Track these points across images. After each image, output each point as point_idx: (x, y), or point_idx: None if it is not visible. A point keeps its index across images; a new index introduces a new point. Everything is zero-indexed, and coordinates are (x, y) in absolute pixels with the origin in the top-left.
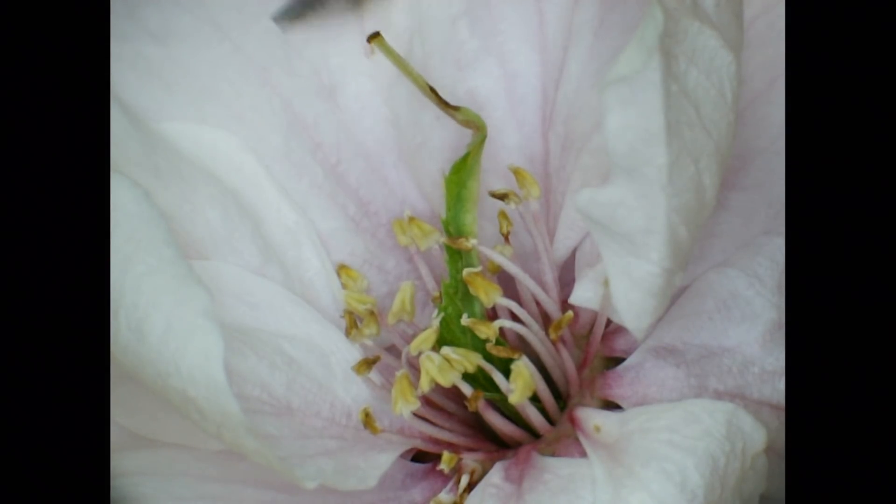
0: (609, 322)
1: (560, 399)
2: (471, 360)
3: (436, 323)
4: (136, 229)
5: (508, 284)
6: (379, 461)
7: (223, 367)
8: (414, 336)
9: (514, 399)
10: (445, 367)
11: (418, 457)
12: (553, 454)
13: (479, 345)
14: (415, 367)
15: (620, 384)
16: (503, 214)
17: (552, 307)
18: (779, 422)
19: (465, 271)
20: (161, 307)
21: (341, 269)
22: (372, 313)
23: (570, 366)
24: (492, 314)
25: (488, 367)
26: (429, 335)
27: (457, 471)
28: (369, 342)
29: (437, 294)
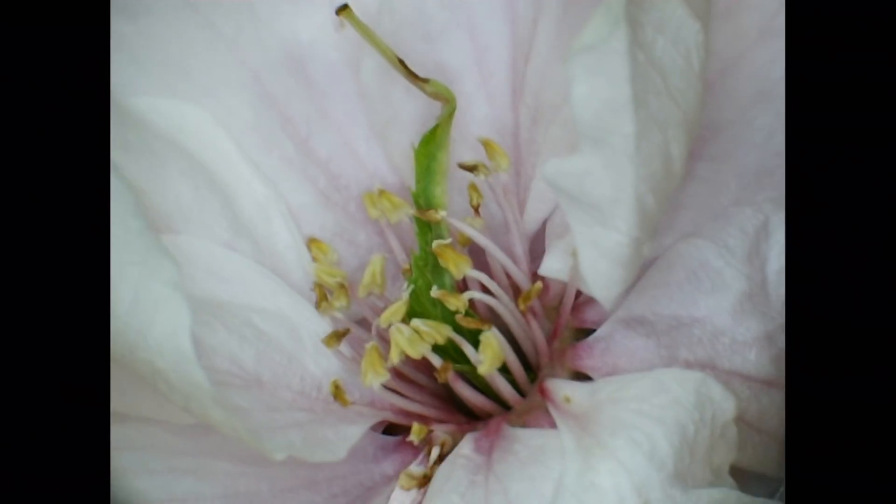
0: (579, 294)
1: (530, 371)
2: (441, 332)
3: (406, 295)
4: None
5: (479, 256)
6: (349, 433)
7: (191, 337)
8: (384, 309)
9: (483, 370)
10: (415, 339)
11: (390, 430)
12: (523, 425)
13: (448, 317)
14: (385, 340)
15: (591, 355)
16: (473, 187)
17: (522, 279)
18: (749, 392)
19: (435, 243)
20: (128, 279)
21: (312, 242)
22: (342, 286)
23: (540, 337)
24: (462, 286)
25: (458, 338)
26: (399, 307)
27: (427, 443)
28: (339, 315)
29: (407, 266)
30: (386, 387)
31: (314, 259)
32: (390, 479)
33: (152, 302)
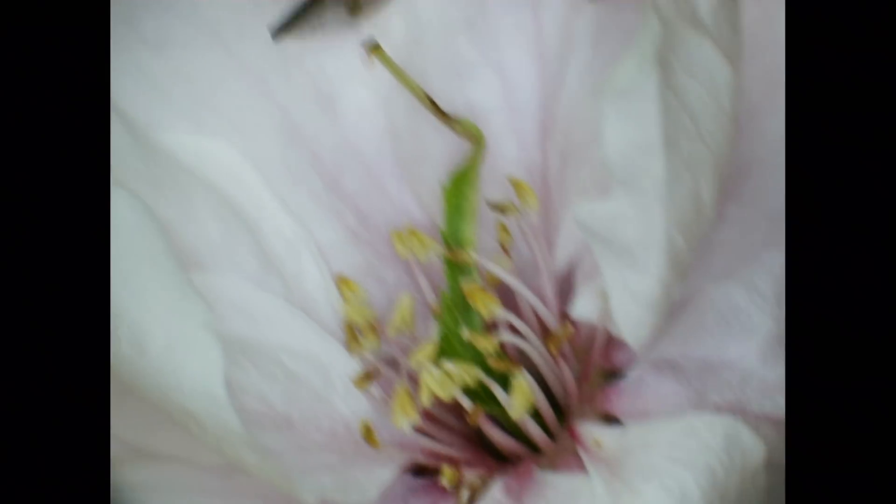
0: (609, 335)
1: (560, 413)
2: (470, 374)
3: (435, 336)
4: (136, 242)
5: (508, 297)
6: (380, 475)
7: (224, 381)
8: (414, 349)
9: (513, 413)
10: (445, 381)
11: (418, 471)
12: (553, 469)
13: (478, 358)
14: (415, 381)
15: (620, 398)
16: (502, 226)
17: (552, 320)
18: (778, 436)
19: (465, 284)
20: (161, 321)
21: (341, 280)
22: (372, 326)
23: (570, 379)
24: (491, 327)
25: (488, 380)
26: (428, 348)
27: (457, 486)
28: (369, 355)
29: (436, 306)
30: (416, 428)
31: (343, 298)
32: None
33: (186, 345)
